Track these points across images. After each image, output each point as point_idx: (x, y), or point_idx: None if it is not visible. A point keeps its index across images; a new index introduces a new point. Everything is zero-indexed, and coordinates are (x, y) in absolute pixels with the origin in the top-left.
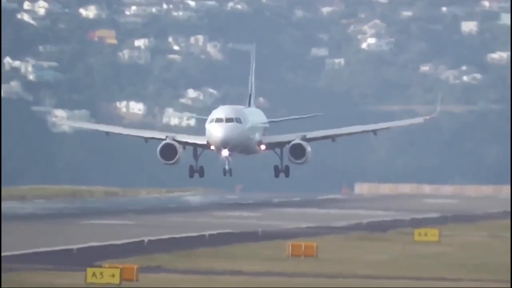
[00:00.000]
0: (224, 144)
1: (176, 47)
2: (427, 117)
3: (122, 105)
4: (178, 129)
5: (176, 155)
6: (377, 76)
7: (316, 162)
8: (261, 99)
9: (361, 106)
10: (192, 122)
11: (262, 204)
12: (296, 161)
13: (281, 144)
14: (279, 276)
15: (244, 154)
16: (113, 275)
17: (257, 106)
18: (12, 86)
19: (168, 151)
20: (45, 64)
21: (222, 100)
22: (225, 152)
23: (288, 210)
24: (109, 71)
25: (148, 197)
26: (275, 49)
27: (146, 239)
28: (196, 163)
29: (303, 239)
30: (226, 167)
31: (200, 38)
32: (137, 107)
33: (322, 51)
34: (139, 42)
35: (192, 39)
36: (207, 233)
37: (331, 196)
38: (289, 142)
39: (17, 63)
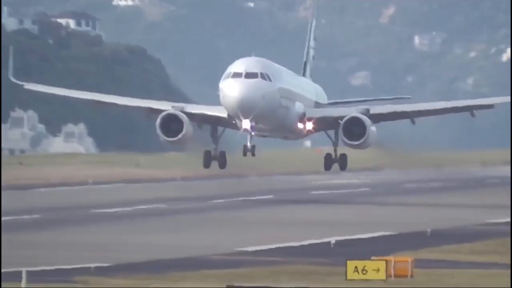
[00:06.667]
0: (242, 108)
1: None
2: None
3: None
4: None
5: (181, 131)
6: None
7: None
8: None
9: None
10: None
11: None
12: (350, 142)
13: (335, 122)
14: None
15: (281, 139)
16: None
17: None
18: None
19: (171, 124)
20: None
21: None
22: (246, 124)
23: None
24: None
25: None
26: None
27: None
28: (215, 147)
29: None
30: (248, 143)
31: None
32: None
33: None
34: None
35: None
36: None
37: None
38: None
39: None
